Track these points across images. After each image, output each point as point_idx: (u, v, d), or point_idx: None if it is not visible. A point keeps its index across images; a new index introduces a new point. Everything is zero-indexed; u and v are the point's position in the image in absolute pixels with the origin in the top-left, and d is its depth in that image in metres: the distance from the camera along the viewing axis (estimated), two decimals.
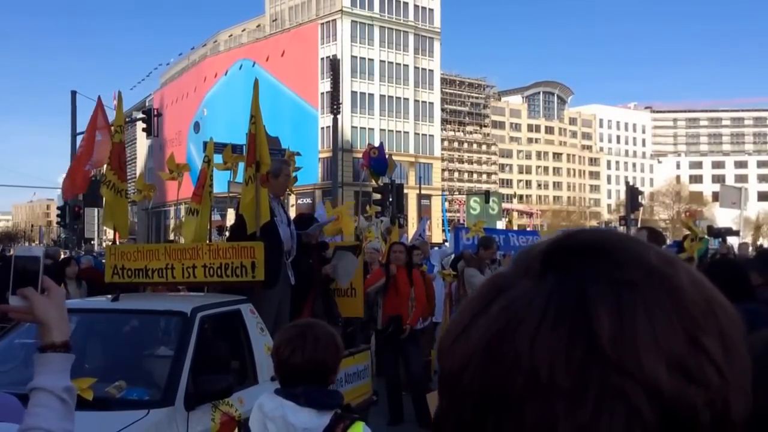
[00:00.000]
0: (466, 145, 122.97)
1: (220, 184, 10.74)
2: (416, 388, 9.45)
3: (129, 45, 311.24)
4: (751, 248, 24.45)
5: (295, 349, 3.02)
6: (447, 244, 26.50)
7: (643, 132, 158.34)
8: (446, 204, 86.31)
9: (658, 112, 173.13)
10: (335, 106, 46.72)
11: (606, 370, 0.58)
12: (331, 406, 3.04)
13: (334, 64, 50.46)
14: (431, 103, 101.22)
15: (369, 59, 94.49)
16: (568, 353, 0.59)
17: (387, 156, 14.82)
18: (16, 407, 2.52)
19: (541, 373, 0.59)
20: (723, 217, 64.48)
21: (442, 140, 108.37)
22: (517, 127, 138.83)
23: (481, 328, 0.64)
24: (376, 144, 16.19)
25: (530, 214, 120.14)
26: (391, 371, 9.60)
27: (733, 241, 26.00)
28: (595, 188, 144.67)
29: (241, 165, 8.27)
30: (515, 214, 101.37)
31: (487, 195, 58.29)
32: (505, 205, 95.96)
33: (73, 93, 31.56)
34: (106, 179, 7.49)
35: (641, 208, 40.13)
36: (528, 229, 52.75)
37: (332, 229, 11.43)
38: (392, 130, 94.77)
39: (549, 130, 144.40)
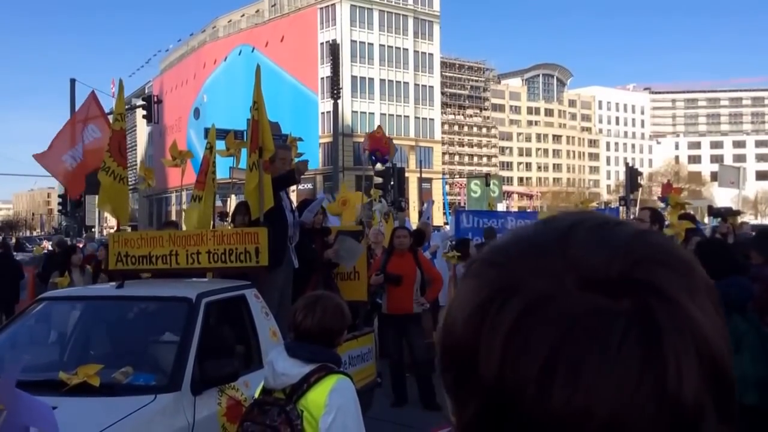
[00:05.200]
0: (466, 129, 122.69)
1: (221, 169, 10.76)
2: (420, 371, 9.50)
3: (128, 31, 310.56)
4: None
5: (306, 314, 3.49)
6: (447, 226, 26.55)
7: (642, 113, 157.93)
8: (447, 187, 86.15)
9: (656, 93, 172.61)
10: (335, 91, 46.54)
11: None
12: (314, 360, 3.37)
13: (333, 49, 50.18)
14: (431, 87, 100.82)
15: (369, 43, 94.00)
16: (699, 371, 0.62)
17: (388, 140, 14.84)
18: (50, 417, 2.65)
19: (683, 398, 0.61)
20: (722, 196, 64.48)
21: (443, 124, 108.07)
22: (516, 109, 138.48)
23: (607, 374, 0.60)
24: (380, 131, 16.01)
25: (530, 196, 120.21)
26: (394, 354, 9.63)
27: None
28: (594, 169, 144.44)
29: (244, 151, 8.27)
30: (515, 196, 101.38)
31: (487, 178, 58.03)
32: (505, 188, 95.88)
33: (72, 81, 31.42)
34: (105, 165, 7.46)
35: (640, 189, 40.06)
36: (528, 210, 52.69)
37: (335, 208, 11.47)
38: (392, 114, 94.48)
39: (548, 112, 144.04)
